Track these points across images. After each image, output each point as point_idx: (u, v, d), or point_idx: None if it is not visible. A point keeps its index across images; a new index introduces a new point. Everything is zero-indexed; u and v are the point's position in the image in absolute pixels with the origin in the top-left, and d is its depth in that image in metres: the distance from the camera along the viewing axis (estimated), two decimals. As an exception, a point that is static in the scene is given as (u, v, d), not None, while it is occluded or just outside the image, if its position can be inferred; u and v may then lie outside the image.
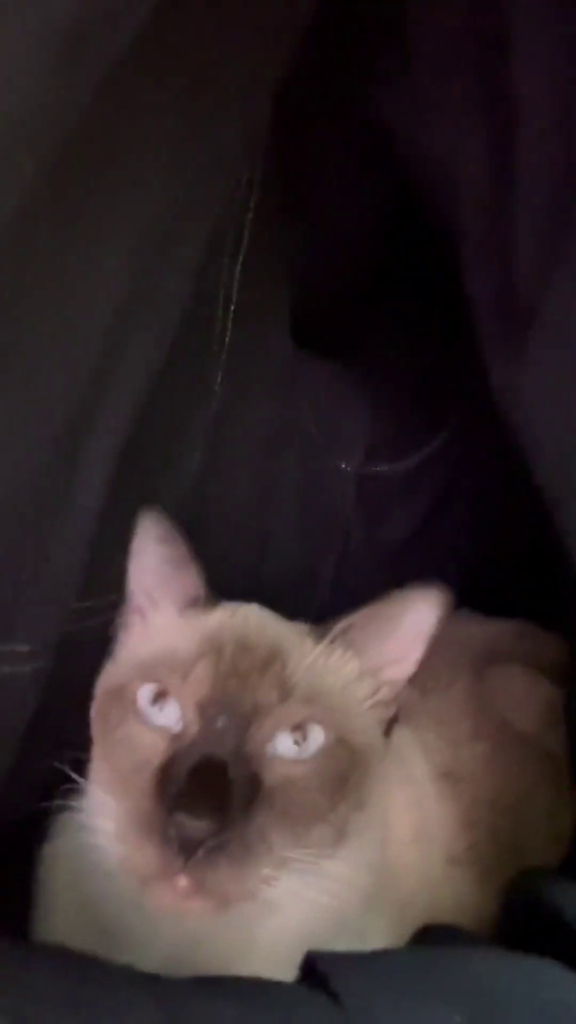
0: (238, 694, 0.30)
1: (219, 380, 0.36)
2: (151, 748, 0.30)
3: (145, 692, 0.31)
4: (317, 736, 0.31)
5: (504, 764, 0.40)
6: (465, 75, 0.29)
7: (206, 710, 0.30)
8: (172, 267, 0.28)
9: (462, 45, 0.29)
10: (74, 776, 0.31)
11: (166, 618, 0.34)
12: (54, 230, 0.23)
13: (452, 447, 0.51)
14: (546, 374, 0.32)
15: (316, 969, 0.28)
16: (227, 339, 0.35)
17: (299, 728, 0.30)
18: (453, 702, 0.41)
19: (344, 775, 0.31)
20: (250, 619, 0.34)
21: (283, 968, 0.29)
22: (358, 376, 0.48)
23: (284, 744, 0.30)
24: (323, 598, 0.48)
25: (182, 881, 0.27)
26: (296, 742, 0.30)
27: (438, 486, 0.53)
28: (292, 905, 0.30)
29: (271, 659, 0.32)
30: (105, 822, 0.29)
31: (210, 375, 0.35)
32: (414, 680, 0.35)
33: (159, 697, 0.31)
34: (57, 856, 0.34)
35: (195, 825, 0.26)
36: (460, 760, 0.39)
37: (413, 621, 0.34)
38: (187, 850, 0.27)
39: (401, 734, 0.38)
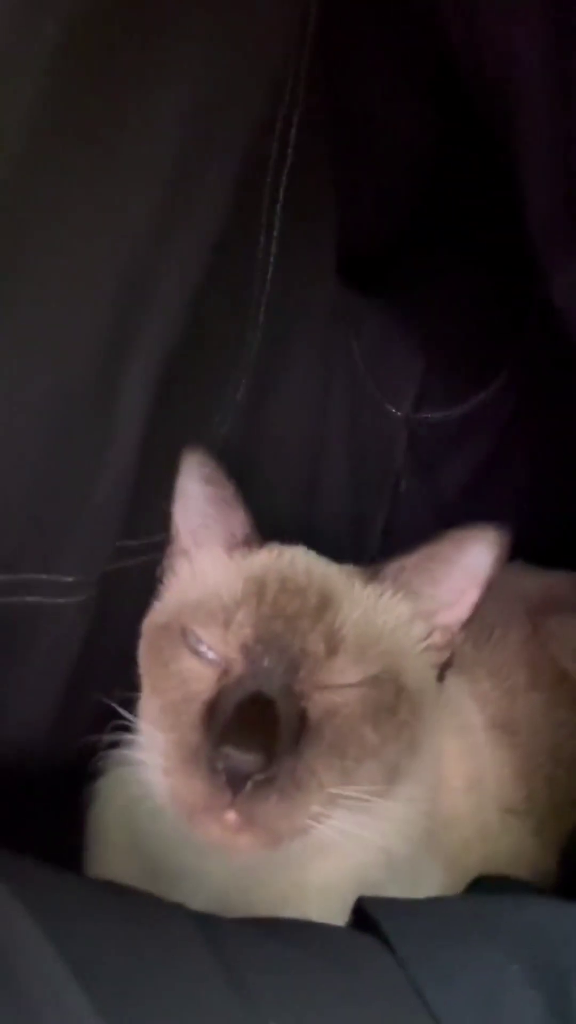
0: (285, 636, 0.29)
1: (262, 309, 0.34)
2: (199, 683, 0.29)
3: (192, 634, 0.30)
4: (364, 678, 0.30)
5: (561, 715, 0.38)
6: None
7: (251, 650, 0.29)
8: (211, 177, 0.27)
9: None
10: (122, 712, 0.31)
11: (212, 559, 0.34)
12: (87, 130, 0.22)
13: (508, 394, 0.49)
14: None
15: (368, 914, 0.27)
16: (270, 266, 0.33)
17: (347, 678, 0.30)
18: (508, 652, 0.40)
19: (392, 708, 0.30)
20: (296, 561, 0.33)
21: (334, 912, 0.29)
22: (408, 316, 0.46)
23: (334, 689, 0.29)
24: (374, 546, 0.47)
25: (230, 815, 0.27)
26: (346, 684, 0.29)
27: (494, 435, 0.51)
28: (343, 846, 0.30)
29: (320, 605, 0.31)
30: (153, 756, 0.29)
31: (253, 304, 0.34)
32: (469, 629, 0.34)
33: (203, 638, 0.30)
34: (108, 793, 0.34)
35: (243, 758, 0.26)
36: (516, 711, 0.38)
37: (469, 563, 0.32)
38: (235, 783, 0.26)
39: (456, 684, 0.37)
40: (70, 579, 0.30)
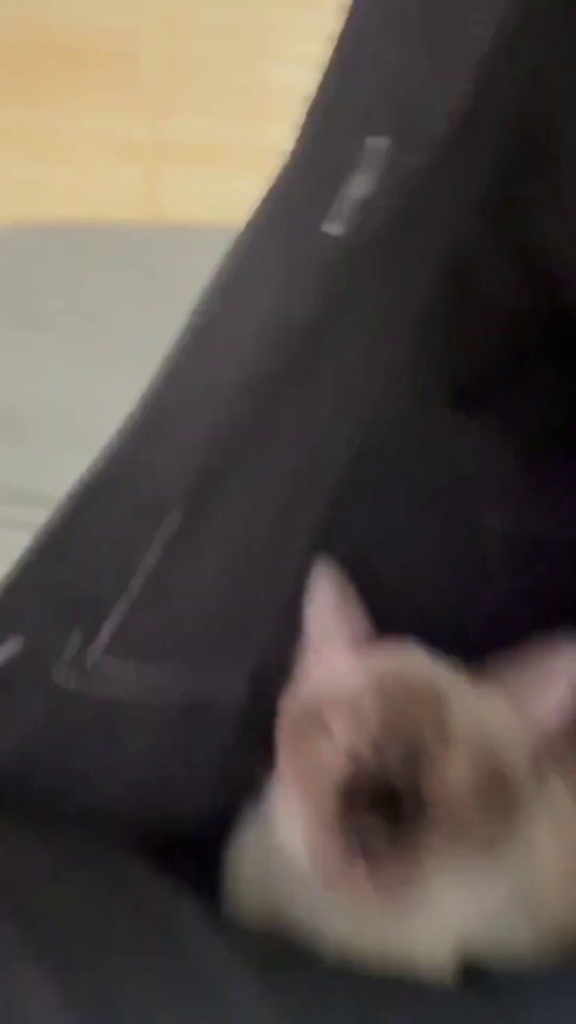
0: (407, 731, 0.35)
1: (391, 455, 0.41)
2: (334, 768, 0.35)
3: (325, 724, 0.37)
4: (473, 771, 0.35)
5: None
6: None
7: (377, 743, 0.35)
8: (354, 418, 0.35)
9: None
10: (263, 779, 0.38)
11: (338, 656, 0.40)
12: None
13: None
14: None
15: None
16: (390, 421, 0.40)
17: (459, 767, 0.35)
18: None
19: (495, 793, 0.35)
20: (413, 663, 0.39)
21: (441, 969, 0.34)
22: (510, 430, 0.51)
23: (447, 776, 0.35)
24: (474, 635, 0.51)
25: (361, 875, 0.33)
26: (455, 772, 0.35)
27: None
28: (445, 905, 0.35)
29: (434, 704, 0.37)
30: (291, 823, 0.36)
31: (384, 451, 0.41)
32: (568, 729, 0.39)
33: (336, 729, 0.36)
34: (249, 840, 0.40)
35: (373, 829, 0.32)
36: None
37: (563, 670, 0.38)
38: (365, 849, 0.32)
39: (552, 779, 0.42)
40: (241, 676, 0.37)
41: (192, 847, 0.38)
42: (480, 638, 0.50)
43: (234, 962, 0.28)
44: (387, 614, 0.43)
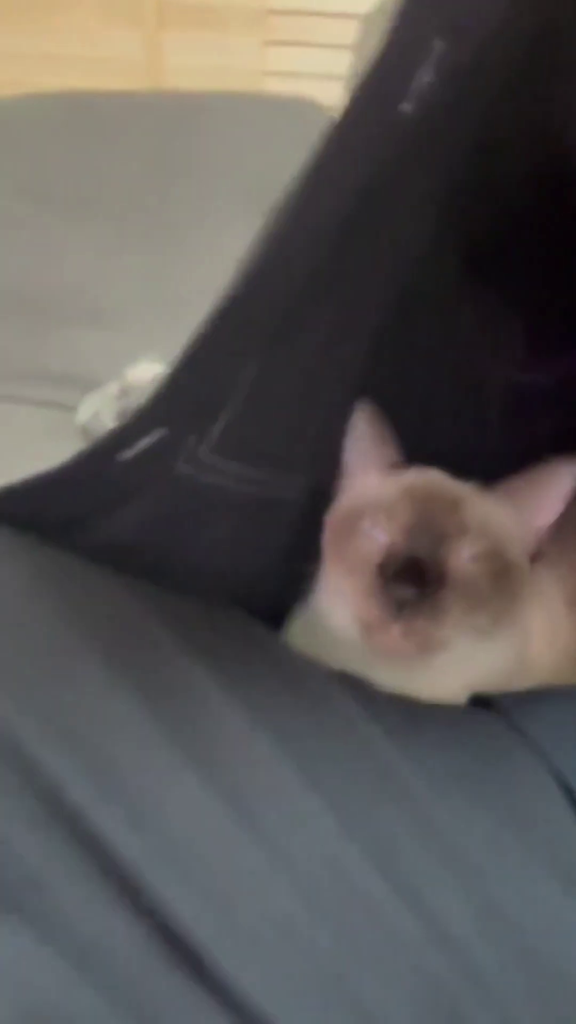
0: (431, 522, 0.45)
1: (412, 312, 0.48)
2: (371, 552, 0.45)
3: (366, 521, 0.46)
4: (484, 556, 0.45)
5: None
6: None
7: (409, 532, 0.45)
8: (399, 275, 0.42)
9: None
10: (309, 572, 0.48)
11: (374, 477, 0.49)
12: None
13: None
14: None
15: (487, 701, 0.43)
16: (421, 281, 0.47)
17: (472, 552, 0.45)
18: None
19: (499, 573, 0.45)
20: (435, 478, 0.49)
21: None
22: (515, 297, 0.58)
23: (463, 558, 0.45)
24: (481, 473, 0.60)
25: (395, 629, 0.43)
26: (470, 556, 0.45)
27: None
28: (463, 666, 0.46)
29: (452, 504, 0.46)
30: (339, 597, 0.46)
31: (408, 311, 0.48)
32: (555, 533, 0.49)
33: (375, 524, 0.46)
34: (298, 627, 0.51)
35: (407, 592, 0.42)
36: (586, 590, 0.53)
37: (556, 483, 0.47)
38: (399, 608, 0.42)
39: (539, 569, 0.52)
40: (301, 483, 0.47)
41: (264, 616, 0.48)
42: (483, 476, 0.60)
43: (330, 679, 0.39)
44: (408, 454, 0.52)
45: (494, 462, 0.61)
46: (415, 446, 0.56)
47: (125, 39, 1.61)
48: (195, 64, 1.58)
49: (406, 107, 0.30)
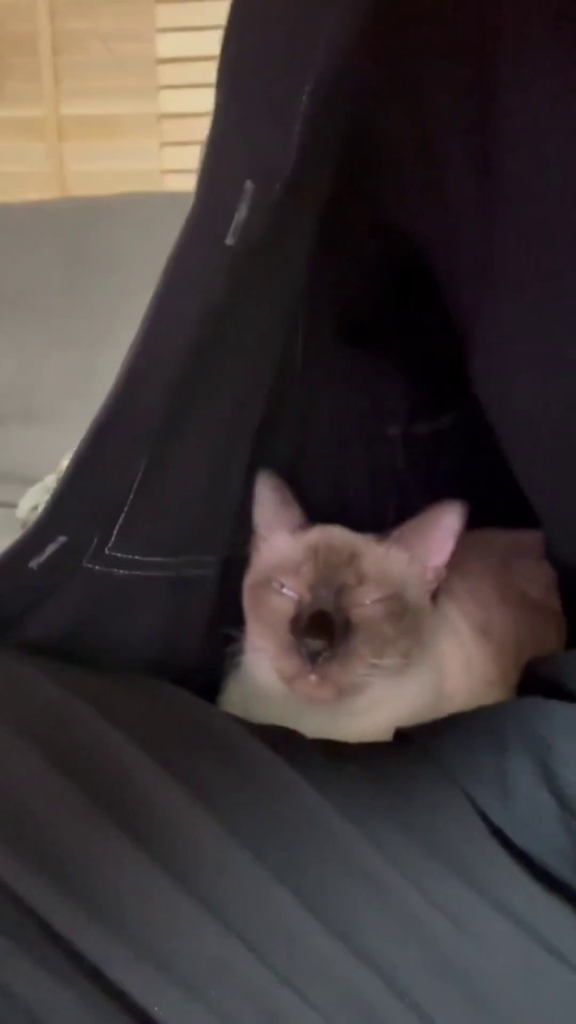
0: (333, 576, 0.49)
1: (298, 386, 0.54)
2: (284, 609, 0.49)
3: (276, 582, 0.50)
4: (383, 600, 0.50)
5: (522, 619, 0.57)
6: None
7: (313, 587, 0.49)
8: (267, 368, 0.47)
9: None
10: (236, 636, 0.52)
11: (281, 539, 0.54)
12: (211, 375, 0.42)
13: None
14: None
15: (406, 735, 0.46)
16: (298, 360, 0.53)
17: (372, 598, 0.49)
18: (484, 581, 0.59)
19: (401, 614, 0.49)
20: (335, 533, 0.53)
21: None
22: (395, 360, 0.64)
23: (364, 605, 0.49)
24: (389, 524, 0.65)
25: (312, 677, 0.46)
26: (370, 602, 0.49)
27: (472, 440, 0.67)
28: (385, 703, 0.50)
29: (351, 557, 0.51)
30: (262, 655, 0.49)
31: (293, 386, 0.54)
32: (454, 568, 0.54)
33: (284, 584, 0.50)
34: (231, 682, 0.54)
35: (316, 643, 0.46)
36: (491, 618, 0.57)
37: (444, 523, 0.52)
38: (313, 658, 0.46)
39: (447, 603, 0.56)
40: (213, 559, 0.51)
41: (196, 685, 0.51)
42: (392, 523, 0.64)
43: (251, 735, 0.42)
44: (317, 510, 0.57)
45: (401, 513, 0.66)
46: (329, 505, 0.61)
47: (29, 152, 1.71)
48: (97, 170, 1.68)
49: (230, 240, 0.35)
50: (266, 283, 0.41)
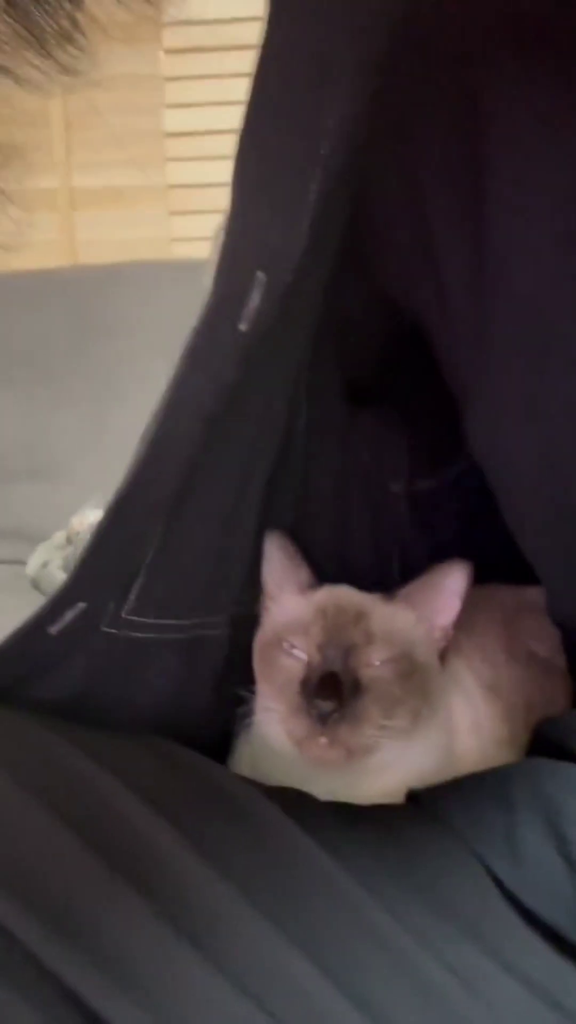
0: (341, 636, 0.50)
1: (302, 449, 0.55)
2: (294, 670, 0.49)
3: (286, 643, 0.51)
4: (392, 660, 0.50)
5: (530, 677, 0.57)
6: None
7: (322, 648, 0.50)
8: (273, 431, 0.49)
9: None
10: (247, 696, 0.52)
11: (290, 598, 0.55)
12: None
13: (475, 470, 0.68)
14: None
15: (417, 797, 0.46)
16: (304, 425, 0.55)
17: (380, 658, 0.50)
18: (492, 639, 0.59)
19: (409, 675, 0.50)
20: (343, 593, 0.54)
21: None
22: (397, 418, 0.66)
23: (372, 665, 0.49)
24: (393, 580, 0.65)
25: (322, 739, 0.47)
26: (379, 662, 0.50)
27: (473, 496, 0.69)
28: (395, 765, 0.50)
29: (359, 616, 0.51)
30: (272, 716, 0.50)
31: (297, 449, 0.55)
32: (462, 626, 0.54)
33: (294, 644, 0.51)
34: (241, 743, 0.54)
35: (326, 705, 0.46)
36: (499, 677, 0.57)
37: (450, 583, 0.53)
38: (322, 720, 0.46)
39: (456, 661, 0.57)
40: (221, 619, 0.51)
41: (206, 745, 0.51)
42: (396, 580, 0.65)
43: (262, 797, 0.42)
44: (321, 567, 0.57)
45: (405, 570, 0.67)
46: (332, 562, 0.62)
47: (41, 221, 1.78)
48: (107, 238, 1.74)
49: (243, 326, 0.37)
50: (275, 358, 0.43)
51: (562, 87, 0.38)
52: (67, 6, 0.22)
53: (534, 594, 0.64)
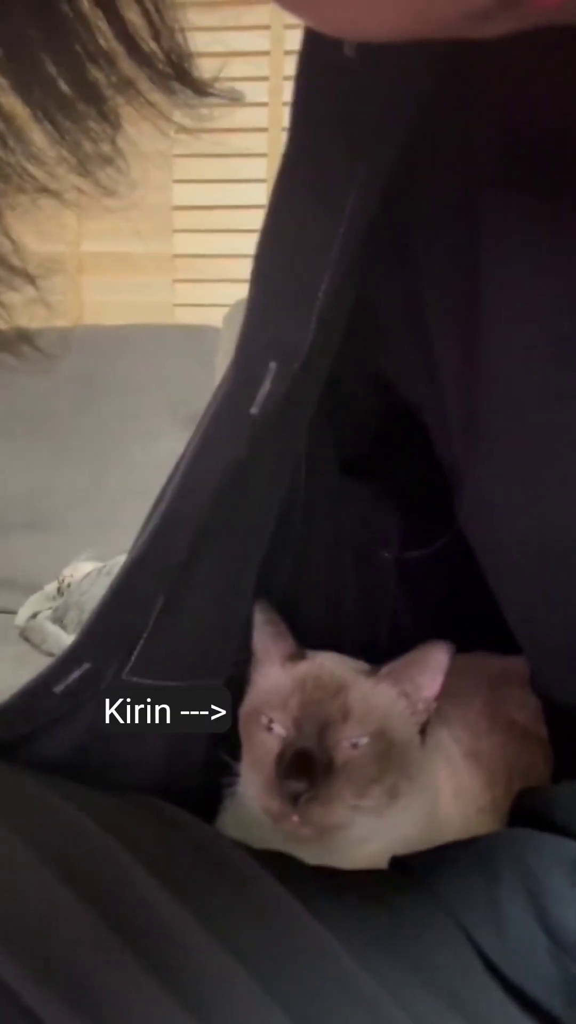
0: (317, 712, 0.51)
1: (299, 520, 0.58)
2: (271, 744, 0.51)
3: (264, 716, 0.52)
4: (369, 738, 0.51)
5: (511, 746, 0.59)
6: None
7: (298, 722, 0.51)
8: (275, 502, 0.51)
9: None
10: (232, 765, 0.53)
11: (274, 669, 0.56)
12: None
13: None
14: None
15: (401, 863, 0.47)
16: (302, 495, 0.57)
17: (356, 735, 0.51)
18: (475, 709, 0.61)
19: (386, 753, 0.51)
20: (325, 664, 0.56)
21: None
22: (389, 490, 0.68)
23: (347, 744, 0.51)
24: (383, 644, 0.67)
25: (294, 818, 0.48)
26: (355, 740, 0.51)
27: (461, 562, 0.71)
28: (372, 838, 0.51)
29: (337, 691, 0.53)
30: (251, 787, 0.51)
31: (294, 517, 0.58)
32: (445, 694, 0.56)
33: (272, 719, 0.52)
34: (228, 809, 0.55)
35: (297, 785, 0.48)
36: (481, 745, 0.58)
37: (433, 660, 0.54)
38: (294, 800, 0.48)
39: (440, 730, 0.58)
40: (218, 682, 0.53)
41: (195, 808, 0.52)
42: (385, 647, 0.67)
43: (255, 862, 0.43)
44: (312, 630, 0.59)
45: (394, 633, 0.69)
46: (324, 624, 0.63)
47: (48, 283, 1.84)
48: (113, 300, 1.81)
49: (254, 411, 0.40)
50: (279, 434, 0.46)
51: (559, 195, 0.40)
52: (110, 132, 0.26)
53: (519, 664, 0.65)
